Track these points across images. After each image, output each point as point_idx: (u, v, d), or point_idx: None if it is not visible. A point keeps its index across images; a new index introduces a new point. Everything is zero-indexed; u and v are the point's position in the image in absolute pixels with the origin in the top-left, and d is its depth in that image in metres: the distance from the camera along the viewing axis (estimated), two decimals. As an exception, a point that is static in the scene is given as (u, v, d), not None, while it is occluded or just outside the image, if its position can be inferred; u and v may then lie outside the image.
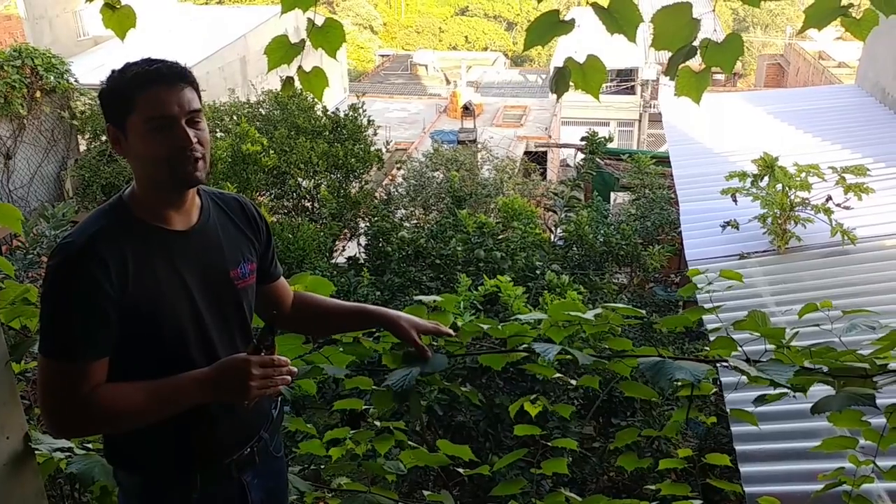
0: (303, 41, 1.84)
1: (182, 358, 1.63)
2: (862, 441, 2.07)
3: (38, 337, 1.56)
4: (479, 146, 15.01)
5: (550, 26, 1.60)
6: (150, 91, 1.55)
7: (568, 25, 1.60)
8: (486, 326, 2.12)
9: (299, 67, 1.90)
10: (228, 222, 1.78)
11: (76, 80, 11.83)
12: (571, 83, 1.66)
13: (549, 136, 20.99)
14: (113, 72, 1.61)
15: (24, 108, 11.12)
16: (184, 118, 1.57)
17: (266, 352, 1.58)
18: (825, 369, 1.80)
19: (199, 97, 1.65)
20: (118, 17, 2.07)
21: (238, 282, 1.74)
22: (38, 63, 11.15)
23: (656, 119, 24.10)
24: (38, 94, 11.35)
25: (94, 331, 1.52)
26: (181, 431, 1.65)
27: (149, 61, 1.60)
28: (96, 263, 1.50)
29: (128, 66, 1.59)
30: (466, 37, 47.43)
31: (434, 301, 2.09)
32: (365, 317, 2.03)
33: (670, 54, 1.64)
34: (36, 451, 2.08)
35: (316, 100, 10.18)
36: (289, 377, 1.62)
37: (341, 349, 2.17)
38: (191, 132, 1.57)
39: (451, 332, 2.03)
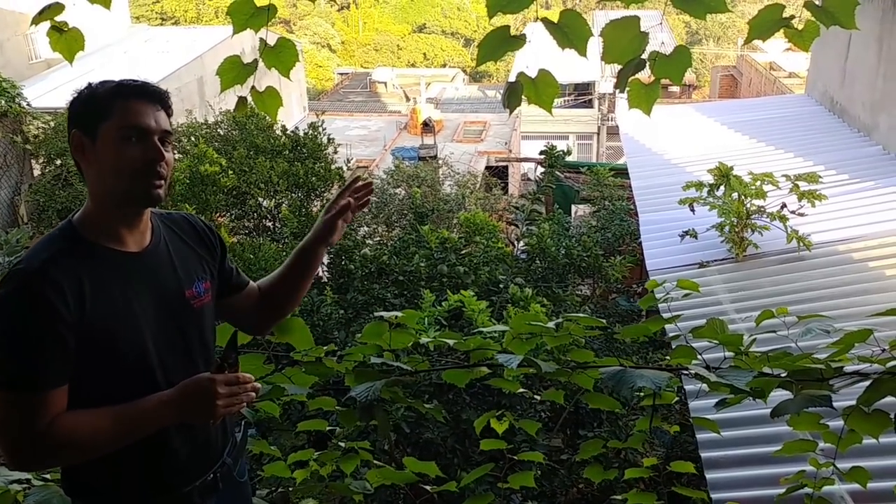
0: (255, 61, 1.83)
1: (142, 381, 1.60)
2: (822, 444, 2.11)
3: None
4: (440, 162, 15.06)
5: (502, 42, 1.61)
6: (130, 101, 1.57)
7: (520, 41, 1.62)
8: (451, 341, 2.12)
9: (252, 87, 1.88)
10: (180, 242, 1.77)
11: (28, 104, 11.63)
12: (525, 97, 1.68)
13: (510, 151, 21.16)
14: (89, 84, 1.61)
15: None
16: (157, 135, 1.58)
17: (230, 369, 1.57)
18: (783, 373, 1.83)
19: (171, 126, 1.67)
20: (66, 39, 2.04)
21: (194, 301, 1.72)
22: (-10, 86, 10.96)
23: (614, 132, 24.43)
24: (-11, 119, 11.14)
25: (52, 358, 1.48)
26: (139, 458, 1.61)
27: (131, 79, 1.62)
28: (52, 288, 1.46)
29: (107, 80, 1.61)
30: (425, 54, 47.70)
31: (395, 317, 2.08)
32: (302, 252, 1.94)
33: (620, 68, 1.67)
34: (-10, 485, 2.02)
35: (274, 121, 10.13)
36: (253, 394, 1.61)
37: (303, 369, 2.15)
38: (161, 149, 1.59)
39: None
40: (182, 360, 1.69)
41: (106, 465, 1.59)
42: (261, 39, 1.80)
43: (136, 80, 1.62)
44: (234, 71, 1.83)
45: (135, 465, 1.62)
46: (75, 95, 1.61)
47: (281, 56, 1.81)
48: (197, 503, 1.74)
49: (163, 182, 1.60)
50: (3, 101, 11.09)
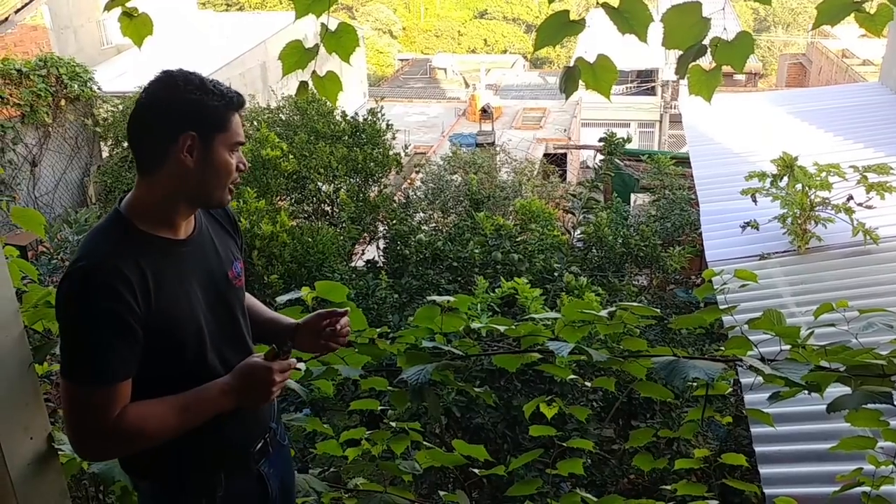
0: (317, 46, 1.86)
1: (201, 364, 1.66)
2: (881, 442, 2.06)
3: (61, 361, 1.53)
4: (498, 149, 15.01)
5: (561, 26, 1.61)
6: (235, 116, 1.64)
7: (578, 26, 1.61)
8: (502, 327, 2.13)
9: (313, 72, 1.91)
10: (217, 226, 1.83)
11: (99, 88, 11.99)
12: (582, 82, 1.67)
13: (569, 138, 20.93)
14: (189, 82, 1.60)
15: (50, 116, 11.29)
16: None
17: (283, 356, 1.64)
18: (841, 368, 1.79)
19: None
20: (136, 25, 2.10)
21: (236, 281, 1.79)
22: (63, 72, 11.32)
23: (677, 120, 23.94)
24: (62, 102, 11.52)
25: (122, 351, 1.51)
26: (203, 434, 1.65)
27: (215, 83, 1.63)
28: (120, 281, 1.49)
29: (204, 80, 1.62)
30: (485, 40, 47.43)
31: (447, 301, 2.10)
32: (269, 324, 1.99)
33: (681, 54, 1.64)
34: (59, 452, 2.09)
35: (334, 106, 10.24)
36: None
37: (356, 350, 2.19)
38: None
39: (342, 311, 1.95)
40: (232, 338, 1.75)
41: (169, 446, 1.62)
42: (322, 24, 1.82)
43: (239, 94, 1.66)
44: (295, 55, 1.86)
45: (195, 440, 1.66)
46: (183, 92, 1.58)
47: (342, 41, 1.83)
48: (253, 469, 1.81)
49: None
50: (76, 86, 11.45)
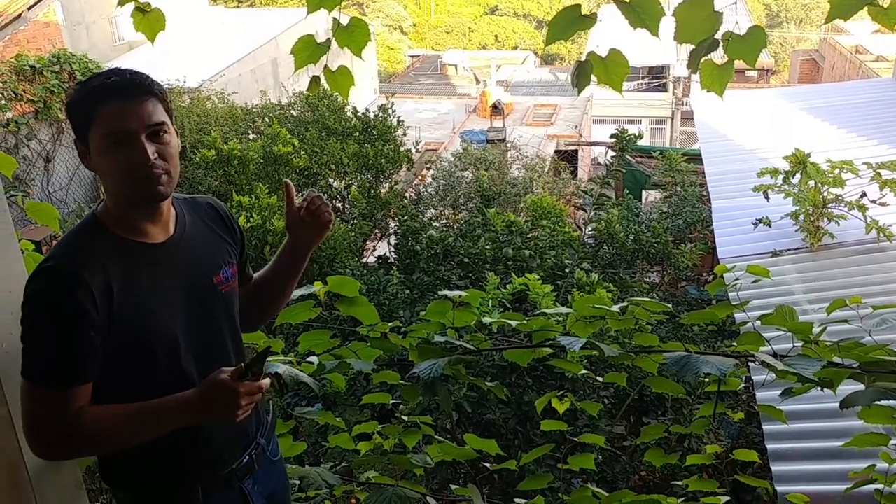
0: (329, 41, 1.87)
1: (175, 370, 1.61)
2: (895, 439, 2.05)
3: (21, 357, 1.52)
4: (509, 145, 15.00)
5: (573, 21, 1.60)
6: (108, 105, 1.49)
7: (590, 20, 1.60)
8: (513, 322, 2.14)
9: (325, 67, 1.92)
10: (205, 228, 1.76)
11: (112, 85, 12.03)
12: (594, 77, 1.67)
13: (580, 135, 20.89)
14: (77, 85, 1.57)
15: (63, 112, 11.35)
16: (144, 132, 1.51)
17: (253, 378, 1.53)
18: (854, 364, 1.78)
19: (168, 108, 1.59)
20: (148, 20, 2.11)
21: (222, 286, 1.72)
22: (76, 68, 11.38)
23: (689, 117, 23.82)
24: (75, 98, 11.58)
25: (77, 358, 1.49)
26: (176, 444, 1.62)
27: (110, 73, 1.54)
28: (78, 287, 1.46)
29: (91, 78, 1.55)
30: (496, 36, 47.36)
31: (459, 296, 2.10)
32: (282, 253, 1.92)
33: (693, 48, 1.64)
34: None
35: (346, 101, 10.24)
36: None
37: (368, 344, 2.20)
38: (150, 147, 1.52)
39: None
40: (214, 347, 1.70)
41: (142, 453, 1.60)
42: (334, 19, 1.83)
43: (113, 75, 1.53)
44: (307, 50, 1.86)
45: (171, 451, 1.63)
46: (66, 101, 1.57)
47: (353, 36, 1.83)
48: (235, 485, 1.76)
49: (164, 176, 1.54)
50: (88, 82, 11.51)
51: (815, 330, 1.90)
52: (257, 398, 1.55)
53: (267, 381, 1.58)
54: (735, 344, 2.03)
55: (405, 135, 10.48)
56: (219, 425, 1.66)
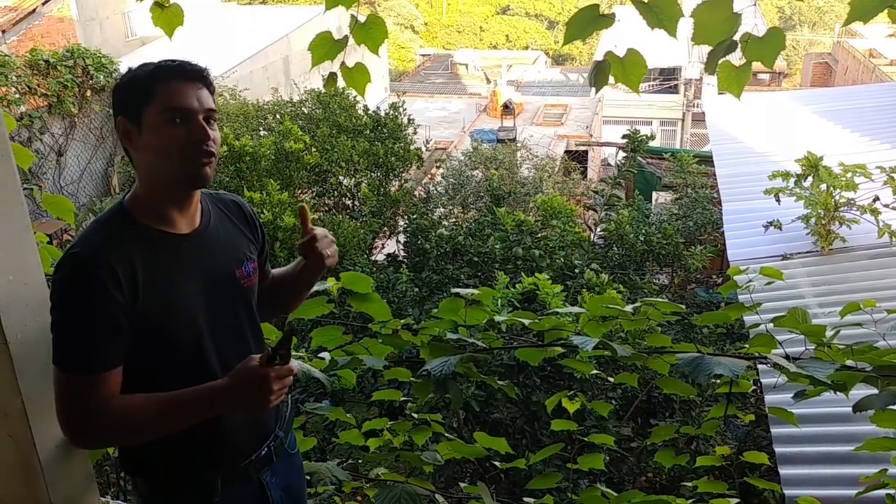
0: (346, 38, 1.87)
1: (197, 362, 1.63)
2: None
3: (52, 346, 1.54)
4: (519, 145, 14.99)
5: (591, 20, 1.61)
6: (170, 83, 1.54)
7: (608, 20, 1.61)
8: (526, 321, 2.14)
9: (342, 63, 1.93)
10: (229, 223, 1.78)
11: (124, 80, 12.09)
12: (612, 77, 1.67)
13: (591, 135, 20.86)
14: (129, 69, 1.60)
15: (76, 106, 11.41)
16: (201, 114, 1.57)
17: (281, 360, 1.54)
18: (868, 368, 1.78)
19: (215, 102, 1.64)
20: (167, 15, 2.13)
21: (244, 280, 1.73)
22: (90, 63, 11.43)
23: (699, 118, 23.76)
24: (88, 93, 11.63)
25: (106, 342, 1.50)
26: (196, 436, 1.62)
27: (170, 59, 1.59)
28: (106, 272, 1.48)
29: (147, 63, 1.59)
30: (507, 35, 47.31)
31: (471, 294, 2.11)
32: (298, 265, 1.93)
33: (711, 50, 1.64)
34: (86, 436, 2.13)
35: (358, 98, 10.25)
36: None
37: (380, 340, 2.20)
38: (206, 128, 1.57)
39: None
40: (235, 339, 1.71)
41: (163, 444, 1.60)
42: (352, 16, 1.84)
43: (175, 61, 1.59)
44: (325, 47, 1.87)
45: (192, 443, 1.64)
46: (117, 82, 1.60)
47: (371, 32, 1.84)
48: (254, 477, 1.77)
49: (211, 161, 1.59)
50: (101, 77, 11.57)
51: (829, 333, 1.90)
52: (288, 382, 1.55)
53: (296, 364, 1.59)
54: (747, 346, 2.03)
55: (415, 133, 10.49)
56: (240, 416, 1.68)
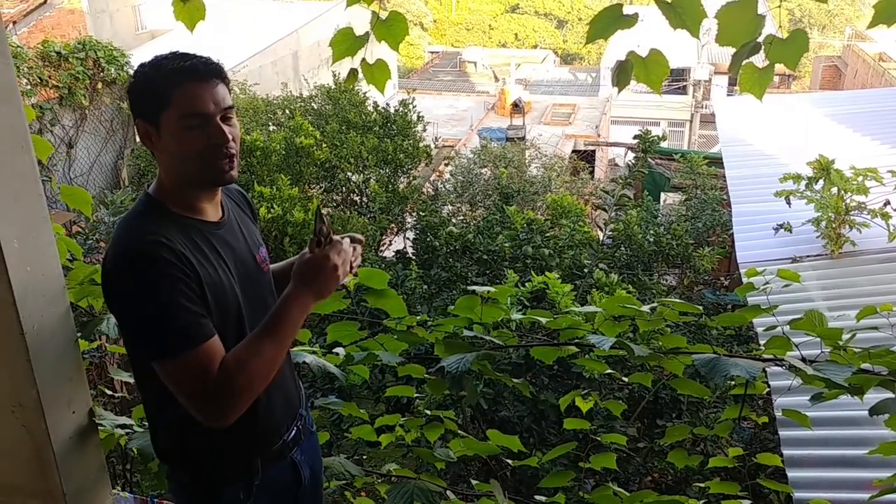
0: (367, 34, 1.88)
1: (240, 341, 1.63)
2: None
3: (137, 349, 1.58)
4: (528, 143, 14.97)
5: (614, 20, 1.61)
6: (186, 87, 1.53)
7: (631, 20, 1.61)
8: (543, 319, 2.14)
9: (363, 60, 1.93)
10: (241, 212, 1.82)
11: (135, 72, 12.12)
12: (634, 77, 1.67)
13: (598, 135, 20.82)
14: (142, 66, 1.58)
15: (87, 99, 11.42)
16: (218, 115, 1.56)
17: (325, 239, 1.62)
18: (884, 371, 1.78)
19: (231, 95, 1.64)
20: (189, 9, 2.14)
21: (263, 265, 1.79)
22: (101, 55, 11.44)
23: (708, 120, 23.70)
24: (99, 85, 11.64)
25: (199, 313, 1.52)
26: (237, 421, 1.59)
27: (182, 56, 1.57)
28: (174, 255, 1.50)
29: (159, 60, 1.57)
30: (516, 34, 47.24)
31: (487, 292, 2.11)
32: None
33: (730, 53, 1.64)
34: (99, 427, 2.14)
35: (369, 94, 10.25)
36: (360, 246, 1.71)
37: (395, 337, 2.21)
38: (225, 129, 1.57)
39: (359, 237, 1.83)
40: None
41: (204, 436, 1.61)
42: (373, 12, 1.84)
43: (188, 59, 1.56)
44: (346, 42, 1.88)
45: (231, 429, 1.60)
46: (132, 81, 1.59)
47: (392, 29, 1.85)
48: (287, 456, 1.81)
49: (233, 162, 1.59)
50: (112, 70, 11.58)
51: (845, 336, 1.90)
52: (347, 252, 1.63)
53: (346, 238, 1.66)
54: (762, 347, 2.03)
55: (424, 130, 10.50)
56: (276, 394, 1.72)
